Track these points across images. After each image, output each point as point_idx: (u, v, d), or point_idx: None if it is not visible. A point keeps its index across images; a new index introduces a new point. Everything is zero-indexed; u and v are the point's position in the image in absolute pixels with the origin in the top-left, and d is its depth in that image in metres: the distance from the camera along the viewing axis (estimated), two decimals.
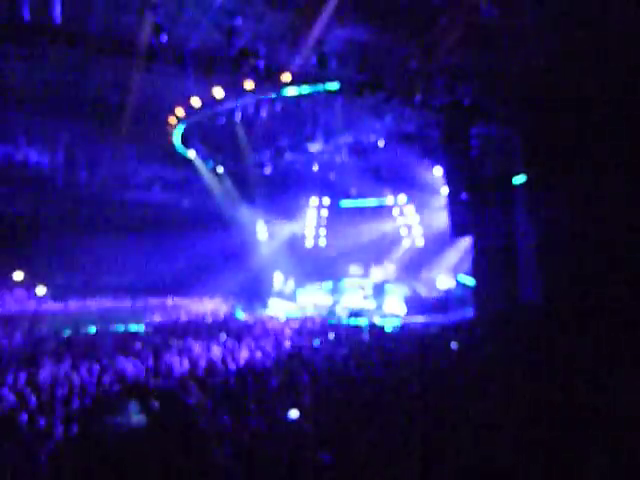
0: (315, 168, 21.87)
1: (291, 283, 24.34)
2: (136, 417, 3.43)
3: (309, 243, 26.63)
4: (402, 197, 24.33)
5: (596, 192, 12.20)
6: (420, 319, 17.06)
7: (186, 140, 19.96)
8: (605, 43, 10.17)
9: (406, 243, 24.70)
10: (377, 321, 16.75)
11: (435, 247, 22.42)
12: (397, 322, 16.88)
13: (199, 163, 21.86)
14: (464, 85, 13.81)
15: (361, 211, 24.64)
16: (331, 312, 19.75)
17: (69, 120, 16.89)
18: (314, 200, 25.75)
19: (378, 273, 23.01)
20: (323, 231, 26.56)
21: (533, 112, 13.42)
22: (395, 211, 24.83)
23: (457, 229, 16.23)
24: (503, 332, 11.57)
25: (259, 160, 21.29)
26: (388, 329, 14.49)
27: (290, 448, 4.20)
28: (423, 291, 21.16)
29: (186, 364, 9.07)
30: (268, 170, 21.51)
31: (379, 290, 21.56)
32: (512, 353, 9.21)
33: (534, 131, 13.64)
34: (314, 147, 18.28)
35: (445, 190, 16.77)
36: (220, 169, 22.56)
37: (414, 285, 21.66)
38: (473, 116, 14.63)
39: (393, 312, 19.73)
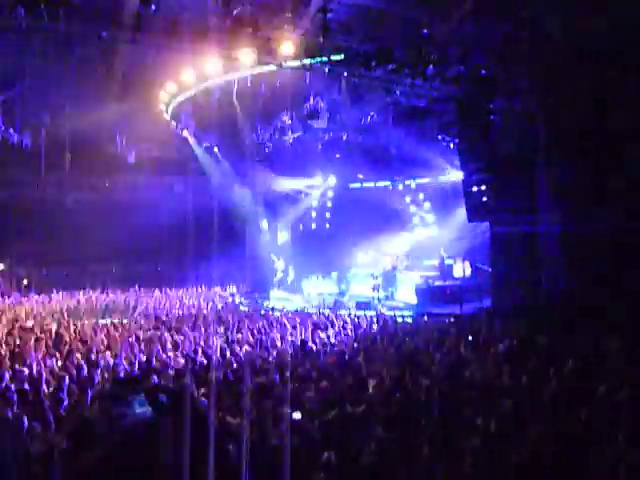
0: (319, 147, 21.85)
1: (292, 272, 24.43)
2: (142, 409, 3.44)
3: (313, 226, 26.68)
4: (412, 181, 24.30)
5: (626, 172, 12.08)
6: (433, 310, 17.06)
7: (179, 118, 19.96)
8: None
9: (418, 230, 24.71)
10: (387, 312, 16.84)
11: (449, 233, 22.40)
12: (408, 313, 16.94)
13: (193, 143, 21.85)
14: (481, 54, 13.64)
15: (370, 194, 24.60)
16: (338, 303, 19.74)
17: (51, 99, 16.96)
18: (318, 180, 25.68)
19: (388, 261, 23.02)
20: (328, 214, 26.62)
21: (557, 84, 13.23)
22: (406, 195, 24.84)
23: (473, 213, 16.18)
24: (524, 324, 11.53)
25: (259, 139, 21.27)
26: (399, 321, 14.54)
27: (293, 449, 4.20)
28: (436, 280, 21.13)
29: (181, 359, 9.14)
30: (269, 149, 21.47)
31: (389, 279, 21.62)
32: (534, 347, 9.22)
33: (558, 105, 13.47)
34: (318, 125, 18.17)
35: (460, 171, 16.70)
36: (216, 149, 22.50)
37: (427, 274, 21.61)
38: (491, 89, 14.51)
39: (404, 302, 19.76)
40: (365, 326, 13.68)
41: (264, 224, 25.25)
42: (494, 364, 8.10)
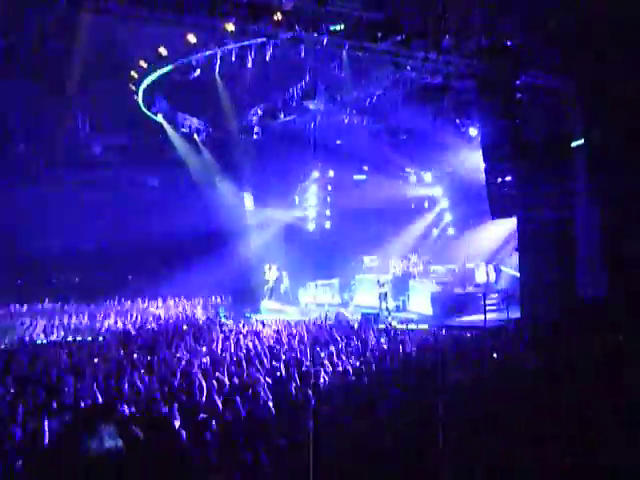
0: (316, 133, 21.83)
1: (286, 280, 24.61)
2: (111, 443, 3.43)
3: (311, 226, 26.70)
4: (427, 174, 24.37)
5: None
6: (452, 322, 17.14)
7: (153, 100, 19.91)
8: None
9: (435, 230, 24.90)
10: (398, 325, 16.94)
11: (471, 232, 22.54)
12: (424, 326, 17.05)
13: (170, 129, 21.83)
14: (505, 22, 13.59)
15: (377, 188, 24.63)
16: (340, 315, 19.83)
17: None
18: (316, 173, 25.81)
19: (399, 266, 23.17)
20: (328, 212, 26.70)
21: (594, 56, 13.20)
22: (419, 188, 24.93)
23: (498, 208, 16.16)
24: (558, 337, 11.53)
25: (246, 123, 21.28)
26: (412, 335, 14.60)
27: None
28: (456, 287, 21.23)
29: (157, 384, 9.09)
30: (257, 136, 21.48)
31: (400, 287, 21.77)
32: (570, 365, 9.19)
33: (596, 81, 13.45)
34: (315, 106, 18.15)
35: (482, 159, 16.63)
36: (196, 136, 22.56)
37: (444, 280, 21.69)
38: (518, 62, 14.43)
39: (418, 314, 19.91)
40: (373, 342, 13.65)
41: (253, 221, 25.40)
42: (523, 386, 8.06)
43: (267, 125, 21.09)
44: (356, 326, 16.61)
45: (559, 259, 15.02)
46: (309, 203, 26.85)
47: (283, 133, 21.48)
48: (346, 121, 20.94)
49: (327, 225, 26.72)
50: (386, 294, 21.02)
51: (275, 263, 24.54)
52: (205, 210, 23.88)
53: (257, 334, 14.73)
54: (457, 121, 18.85)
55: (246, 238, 25.09)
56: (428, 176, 24.64)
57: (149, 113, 20.49)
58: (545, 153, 14.68)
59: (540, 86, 14.76)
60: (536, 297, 15.41)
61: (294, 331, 14.77)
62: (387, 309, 20.46)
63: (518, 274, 17.06)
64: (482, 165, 16.25)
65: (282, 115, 19.80)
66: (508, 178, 15.69)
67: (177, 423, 6.43)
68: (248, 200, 25.44)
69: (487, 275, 21.79)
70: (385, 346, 13.28)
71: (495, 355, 10.41)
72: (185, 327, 16.33)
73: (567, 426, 6.13)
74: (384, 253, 24.57)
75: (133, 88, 18.49)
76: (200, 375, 9.19)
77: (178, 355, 11.76)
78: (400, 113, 19.10)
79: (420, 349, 12.03)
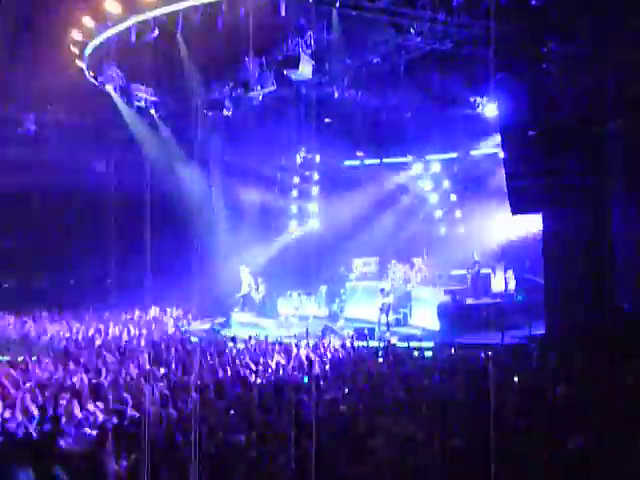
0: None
1: (262, 287, 24.37)
2: None
3: (293, 228, 26.51)
4: (435, 163, 24.39)
5: None
6: (463, 339, 17.01)
7: (99, 68, 19.64)
8: None
9: (442, 228, 24.90)
10: (398, 343, 16.94)
11: (485, 232, 22.57)
12: (429, 344, 16.98)
13: (121, 103, 21.63)
14: None
15: (373, 176, 24.59)
16: (328, 330, 19.87)
17: None
18: (299, 159, 25.69)
19: (400, 271, 23.04)
20: (314, 207, 26.52)
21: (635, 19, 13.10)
22: (425, 178, 24.91)
23: (519, 203, 15.93)
24: (590, 357, 11.38)
25: (214, 97, 21.07)
26: (416, 355, 14.62)
27: None
28: (468, 297, 21.10)
29: (102, 414, 8.96)
30: (228, 111, 21.23)
31: (402, 297, 21.77)
32: (605, 391, 9.08)
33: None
34: (299, 76, 18.02)
35: (499, 142, 16.57)
36: (153, 111, 22.39)
37: (454, 288, 21.63)
38: (544, 26, 14.32)
39: (422, 329, 19.90)
40: (368, 364, 13.59)
41: (222, 217, 25.16)
42: (550, 418, 7.98)
43: (240, 99, 20.81)
44: (348, 343, 16.58)
45: (591, 264, 14.97)
46: (291, 195, 26.60)
47: (260, 109, 21.33)
48: (336, 95, 20.87)
49: (313, 222, 26.53)
50: (389, 306, 21.02)
51: (249, 266, 24.28)
52: (162, 199, 23.74)
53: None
54: (471, 99, 18.85)
55: (214, 239, 24.87)
56: (436, 165, 24.50)
57: (96, 83, 20.26)
58: (577, 138, 14.58)
59: (570, 55, 14.62)
60: (564, 310, 15.43)
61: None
62: (387, 323, 20.54)
63: (543, 281, 16.97)
64: (500, 153, 16.22)
65: (258, 87, 19.47)
66: (532, 168, 15.46)
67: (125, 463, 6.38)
68: (216, 188, 25.35)
69: (505, 282, 21.80)
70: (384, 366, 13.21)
71: (516, 379, 10.33)
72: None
73: None
74: (381, 255, 24.45)
75: (75, 52, 18.32)
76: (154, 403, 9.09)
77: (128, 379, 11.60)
78: (401, 87, 19.03)
79: (427, 372, 11.98)
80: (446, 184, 24.67)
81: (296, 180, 26.31)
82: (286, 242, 26.11)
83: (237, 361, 13.59)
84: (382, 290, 21.29)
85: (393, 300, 21.24)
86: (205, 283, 24.98)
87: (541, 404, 8.88)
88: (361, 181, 24.59)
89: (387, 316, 20.75)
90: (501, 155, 16.37)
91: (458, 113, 19.82)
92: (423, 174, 24.94)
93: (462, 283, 22.05)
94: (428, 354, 15.43)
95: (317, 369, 12.43)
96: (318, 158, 25.69)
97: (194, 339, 19.38)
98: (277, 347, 15.53)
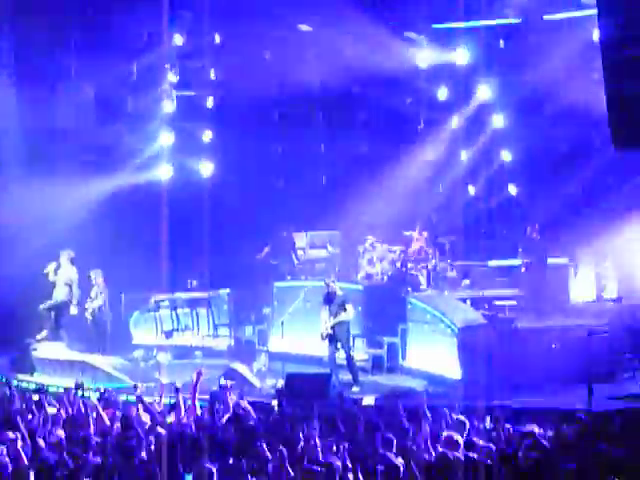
0: None
1: (102, 289, 17.18)
2: None
3: (164, 172, 19.06)
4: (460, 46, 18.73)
5: None
6: (516, 401, 12.29)
7: None
8: None
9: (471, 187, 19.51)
10: (370, 401, 13.06)
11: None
12: (441, 403, 11.72)
13: None
14: None
15: (332, 54, 18.38)
16: (231, 380, 13.43)
17: None
18: (179, 38, 18.78)
19: (387, 257, 17.28)
20: (209, 134, 19.42)
21: None
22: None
23: (627, 132, 13.03)
24: None
25: None
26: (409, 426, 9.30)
27: None
28: (521, 311, 15.72)
29: None
30: None
31: (387, 308, 16.22)
32: None
33: None
34: None
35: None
36: None
37: (496, 293, 16.63)
38: None
39: (428, 375, 14.87)
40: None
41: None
42: None
43: None
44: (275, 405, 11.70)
45: None
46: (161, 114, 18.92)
47: None
48: None
49: (205, 168, 19.23)
50: (348, 327, 14.93)
51: (69, 253, 16.59)
52: None
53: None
54: None
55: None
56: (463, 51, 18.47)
57: None
58: None
59: None
60: None
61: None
62: (350, 363, 14.63)
63: None
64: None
65: None
66: None
67: None
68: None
69: (598, 282, 16.76)
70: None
71: None
72: None
73: None
74: (346, 226, 18.34)
75: None
76: None
77: None
78: None
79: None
80: (485, 91, 19.26)
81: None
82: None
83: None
84: (328, 295, 15.05)
85: (356, 315, 15.53)
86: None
87: None
88: (311, 63, 19.08)
89: (347, 348, 14.75)
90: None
91: None
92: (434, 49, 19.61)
93: (511, 285, 16.90)
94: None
95: None
96: (218, 38, 19.30)
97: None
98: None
